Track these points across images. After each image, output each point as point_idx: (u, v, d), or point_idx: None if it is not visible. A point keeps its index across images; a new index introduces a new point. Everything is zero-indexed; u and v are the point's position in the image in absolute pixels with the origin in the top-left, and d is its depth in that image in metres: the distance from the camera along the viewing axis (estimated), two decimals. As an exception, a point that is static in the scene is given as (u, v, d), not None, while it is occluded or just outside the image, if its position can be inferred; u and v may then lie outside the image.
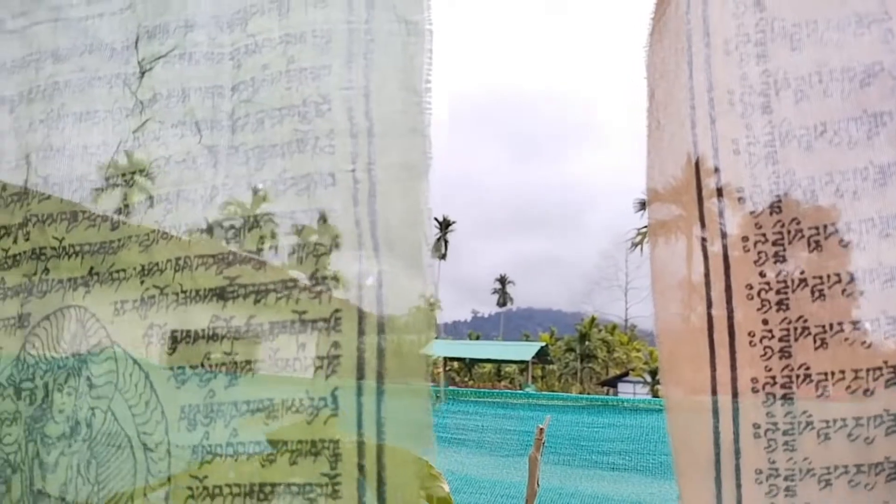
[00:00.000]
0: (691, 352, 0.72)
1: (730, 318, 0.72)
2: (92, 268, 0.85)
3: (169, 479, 0.77)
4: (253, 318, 0.78)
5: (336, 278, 0.77)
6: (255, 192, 0.83)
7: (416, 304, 0.75)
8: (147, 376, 0.80)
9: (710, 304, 0.73)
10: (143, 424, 0.79)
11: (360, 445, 0.72)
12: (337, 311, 0.76)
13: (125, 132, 0.87)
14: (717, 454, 0.72)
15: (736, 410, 0.71)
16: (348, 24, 0.81)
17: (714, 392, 0.72)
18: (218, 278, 0.80)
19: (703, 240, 0.72)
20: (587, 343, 41.67)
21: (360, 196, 0.78)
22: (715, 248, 0.73)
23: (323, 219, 0.79)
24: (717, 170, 0.74)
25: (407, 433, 0.73)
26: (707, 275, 0.73)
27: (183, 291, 0.80)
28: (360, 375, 0.73)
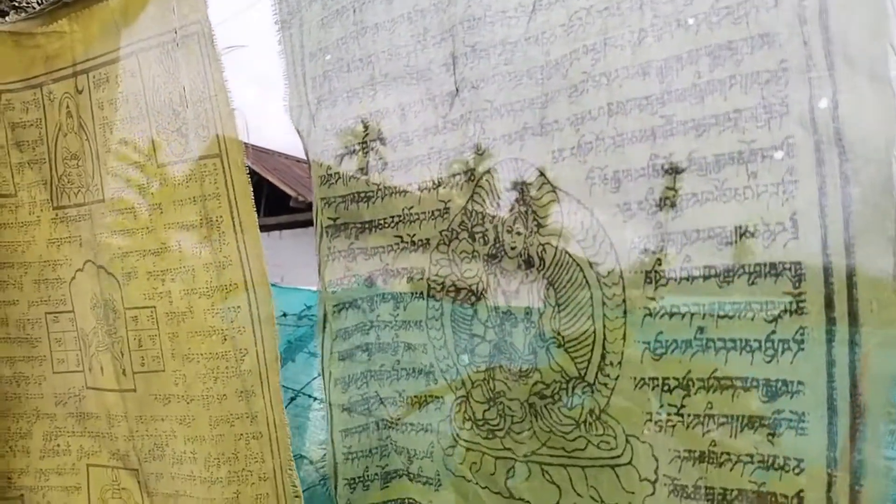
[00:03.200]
0: None
1: None
2: (525, 123, 0.95)
3: (624, 301, 0.88)
4: (694, 152, 0.82)
5: (785, 104, 0.76)
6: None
7: (881, 118, 0.71)
8: (592, 213, 0.90)
9: None
10: (594, 255, 0.90)
11: (827, 267, 0.74)
12: (789, 136, 0.76)
13: (540, -9, 0.92)
14: None
15: None
16: None
17: None
18: (654, 118, 0.84)
19: None
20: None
21: (808, 14, 0.74)
22: None
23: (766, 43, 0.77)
24: None
25: (874, 251, 0.72)
26: None
27: (619, 135, 0.87)
28: (822, 199, 0.74)
